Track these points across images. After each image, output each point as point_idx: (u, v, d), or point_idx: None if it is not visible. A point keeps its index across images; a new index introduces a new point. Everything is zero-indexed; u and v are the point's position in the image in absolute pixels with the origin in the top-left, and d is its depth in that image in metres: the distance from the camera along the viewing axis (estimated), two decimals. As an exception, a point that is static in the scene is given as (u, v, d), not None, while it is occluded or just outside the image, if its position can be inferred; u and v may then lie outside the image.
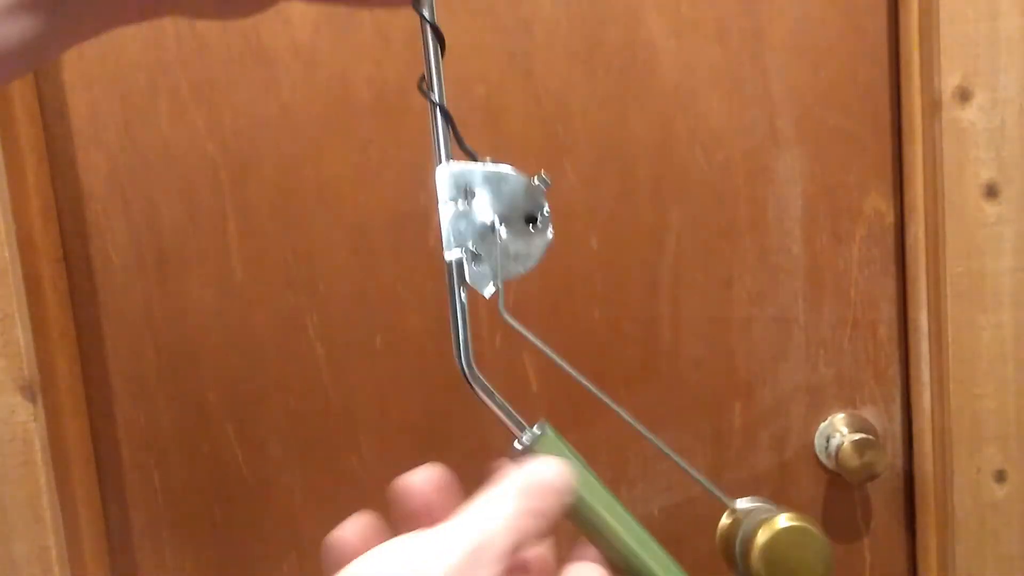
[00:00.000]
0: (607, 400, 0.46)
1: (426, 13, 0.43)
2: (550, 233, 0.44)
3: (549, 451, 0.42)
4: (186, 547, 0.89)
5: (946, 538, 0.84)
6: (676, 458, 0.47)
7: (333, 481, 0.88)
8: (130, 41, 0.83)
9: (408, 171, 0.85)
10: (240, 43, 0.83)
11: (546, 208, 0.44)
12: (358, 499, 0.91)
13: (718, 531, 0.49)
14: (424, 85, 0.44)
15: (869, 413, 0.88)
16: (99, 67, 0.83)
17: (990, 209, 0.79)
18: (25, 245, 0.80)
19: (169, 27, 0.83)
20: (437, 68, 0.43)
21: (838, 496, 0.90)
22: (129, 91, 0.83)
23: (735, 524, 0.48)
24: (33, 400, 0.79)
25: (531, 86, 0.84)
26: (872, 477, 0.85)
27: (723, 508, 0.49)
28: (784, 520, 0.46)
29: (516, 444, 0.43)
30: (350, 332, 0.87)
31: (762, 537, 0.45)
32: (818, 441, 0.88)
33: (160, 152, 0.84)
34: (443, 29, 0.44)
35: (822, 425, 0.88)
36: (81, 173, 0.84)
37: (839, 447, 0.85)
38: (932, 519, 0.86)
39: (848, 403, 0.89)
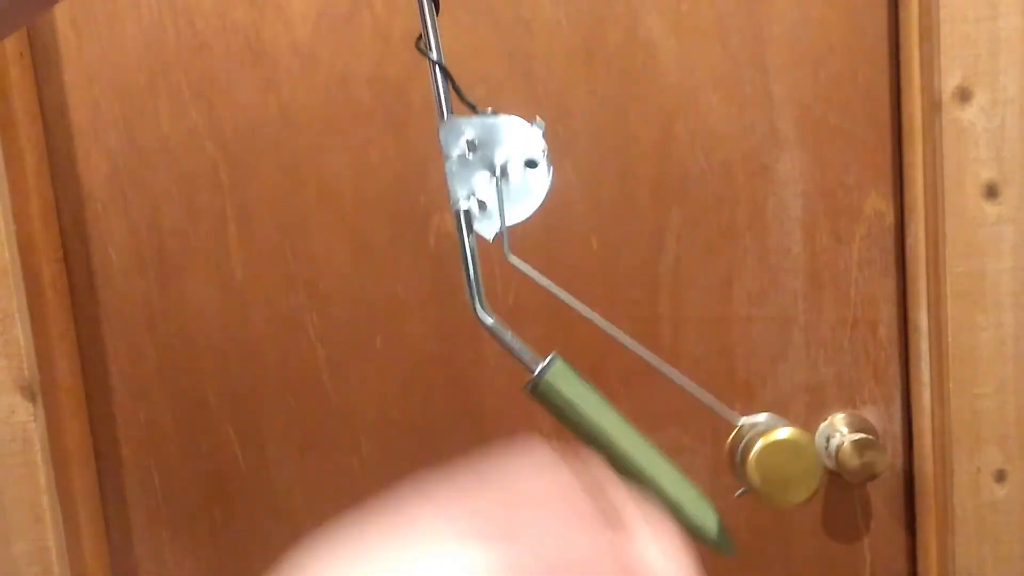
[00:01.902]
0: (610, 328, 0.48)
1: None
2: (550, 173, 0.45)
3: (560, 380, 0.45)
4: (186, 547, 0.89)
5: (946, 538, 0.84)
6: (679, 377, 0.49)
7: (333, 481, 0.88)
8: (130, 41, 0.83)
9: (408, 171, 0.85)
10: (240, 43, 0.83)
11: (544, 149, 0.45)
12: (358, 499, 0.91)
13: (727, 445, 0.52)
14: (422, 44, 0.45)
15: (869, 413, 0.88)
16: (99, 67, 0.83)
17: (990, 209, 0.79)
18: (25, 245, 0.80)
19: (169, 27, 0.83)
20: (433, 27, 0.45)
21: (838, 496, 0.90)
22: (129, 91, 0.83)
23: (739, 437, 0.51)
24: (33, 400, 0.79)
25: (531, 86, 0.84)
26: (872, 477, 0.85)
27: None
28: (779, 433, 0.49)
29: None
30: (350, 332, 0.87)
31: (757, 446, 0.49)
32: (818, 441, 0.88)
33: (160, 152, 0.84)
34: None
35: (822, 425, 0.88)
36: (81, 173, 0.84)
37: (839, 447, 0.85)
38: (932, 519, 0.86)
39: (848, 403, 0.89)
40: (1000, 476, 0.82)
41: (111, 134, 0.84)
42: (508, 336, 0.46)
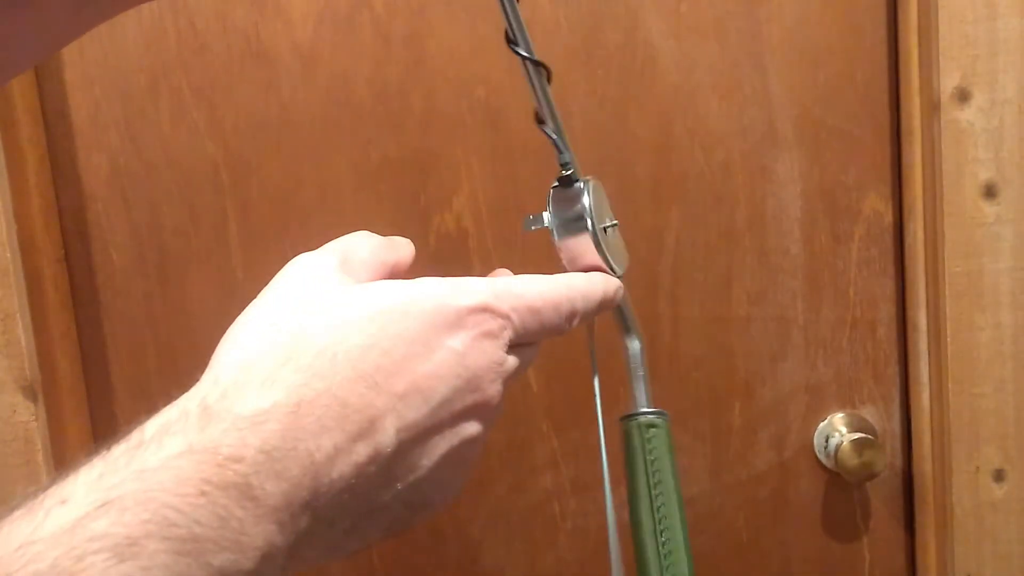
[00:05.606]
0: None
1: (523, 51, 0.43)
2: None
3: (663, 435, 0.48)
4: (187, 546, 0.90)
5: (945, 537, 0.84)
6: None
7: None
8: (131, 42, 0.83)
9: (408, 171, 0.85)
10: (240, 43, 0.83)
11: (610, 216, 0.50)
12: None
13: None
14: (540, 117, 0.45)
15: (868, 412, 0.89)
16: (100, 67, 0.83)
17: (989, 209, 0.79)
18: (26, 245, 0.80)
19: (170, 28, 0.83)
20: (546, 98, 0.45)
21: (837, 495, 0.90)
22: (130, 91, 0.84)
23: None
24: (34, 400, 0.79)
25: (531, 86, 0.84)
26: (871, 476, 0.86)
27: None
28: None
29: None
30: (350, 332, 0.87)
31: None
32: (817, 440, 0.89)
33: (161, 152, 0.84)
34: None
35: (821, 424, 0.89)
36: (82, 173, 0.85)
37: (838, 446, 0.85)
38: (931, 518, 0.86)
39: (847, 403, 0.89)
40: (999, 476, 0.82)
41: (112, 134, 0.84)
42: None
